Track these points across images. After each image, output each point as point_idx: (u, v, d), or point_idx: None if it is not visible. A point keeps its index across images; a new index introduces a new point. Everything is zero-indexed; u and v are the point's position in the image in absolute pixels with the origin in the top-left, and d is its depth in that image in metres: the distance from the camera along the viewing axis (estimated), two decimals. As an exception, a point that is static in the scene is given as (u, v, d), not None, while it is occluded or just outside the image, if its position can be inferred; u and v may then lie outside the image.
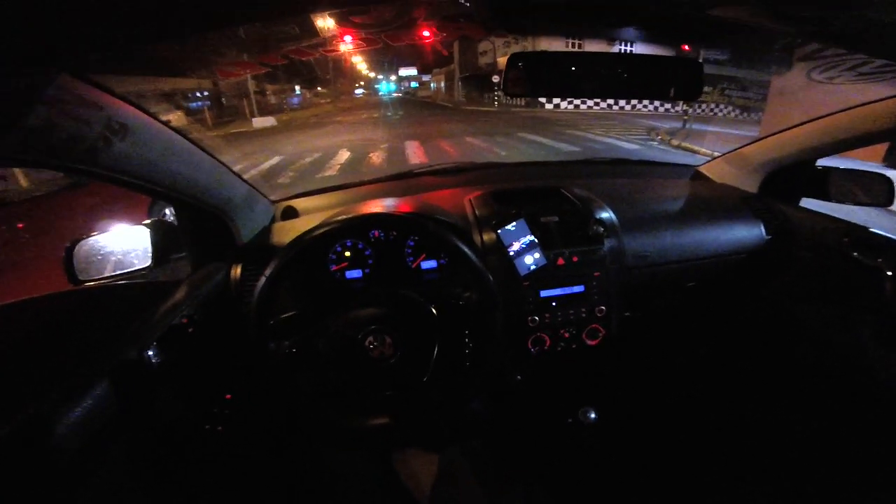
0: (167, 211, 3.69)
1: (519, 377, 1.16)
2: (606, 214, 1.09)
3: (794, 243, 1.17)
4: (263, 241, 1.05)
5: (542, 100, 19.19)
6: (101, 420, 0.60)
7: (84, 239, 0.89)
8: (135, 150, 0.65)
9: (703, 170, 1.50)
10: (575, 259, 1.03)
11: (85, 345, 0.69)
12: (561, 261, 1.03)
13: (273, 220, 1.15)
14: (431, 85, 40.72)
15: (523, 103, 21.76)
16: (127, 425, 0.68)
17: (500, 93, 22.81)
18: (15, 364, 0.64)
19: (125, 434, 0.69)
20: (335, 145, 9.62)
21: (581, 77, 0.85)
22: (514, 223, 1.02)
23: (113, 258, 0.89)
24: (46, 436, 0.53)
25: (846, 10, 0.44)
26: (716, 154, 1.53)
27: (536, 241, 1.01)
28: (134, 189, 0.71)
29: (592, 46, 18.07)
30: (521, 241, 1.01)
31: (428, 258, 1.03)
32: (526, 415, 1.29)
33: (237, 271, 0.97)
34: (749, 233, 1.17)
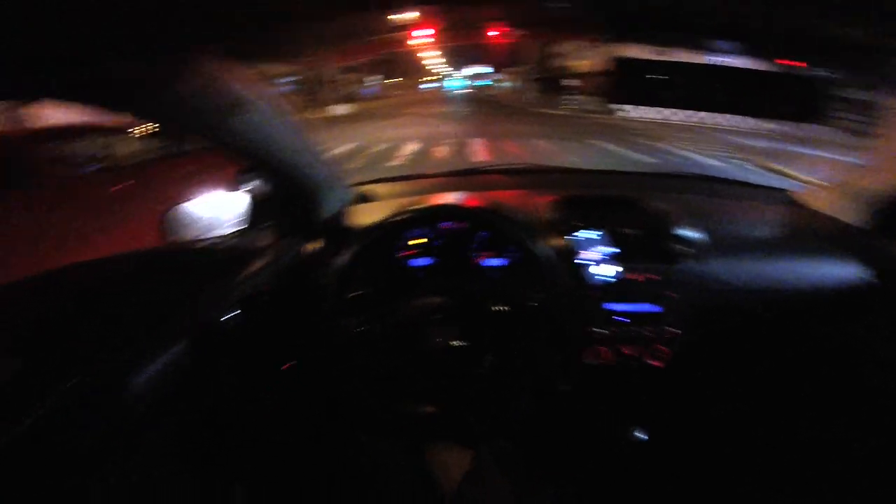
0: (250, 183, 3.92)
1: (566, 387, 1.12)
2: (689, 233, 1.02)
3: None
4: (340, 221, 1.08)
5: (624, 106, 18.37)
6: (172, 380, 0.64)
7: (181, 201, 0.98)
8: (259, 124, 0.70)
9: (801, 196, 1.35)
10: (649, 276, 0.98)
11: (170, 302, 0.74)
12: (634, 276, 0.98)
13: (349, 203, 1.19)
14: (502, 83, 40.46)
15: (597, 108, 20.93)
16: (195, 386, 0.72)
17: (574, 96, 22.18)
18: (100, 317, 0.70)
19: (192, 394, 0.72)
20: (403, 136, 9.88)
21: (695, 88, 0.79)
22: (589, 232, 0.98)
23: (205, 221, 0.97)
24: (119, 390, 0.57)
25: None
26: (812, 180, 1.36)
27: (610, 252, 0.97)
28: (248, 159, 0.78)
29: (681, 55, 16.98)
30: (595, 251, 0.97)
31: (494, 256, 1.02)
32: (570, 424, 1.25)
33: (314, 247, 1.01)
34: (848, 271, 1.05)
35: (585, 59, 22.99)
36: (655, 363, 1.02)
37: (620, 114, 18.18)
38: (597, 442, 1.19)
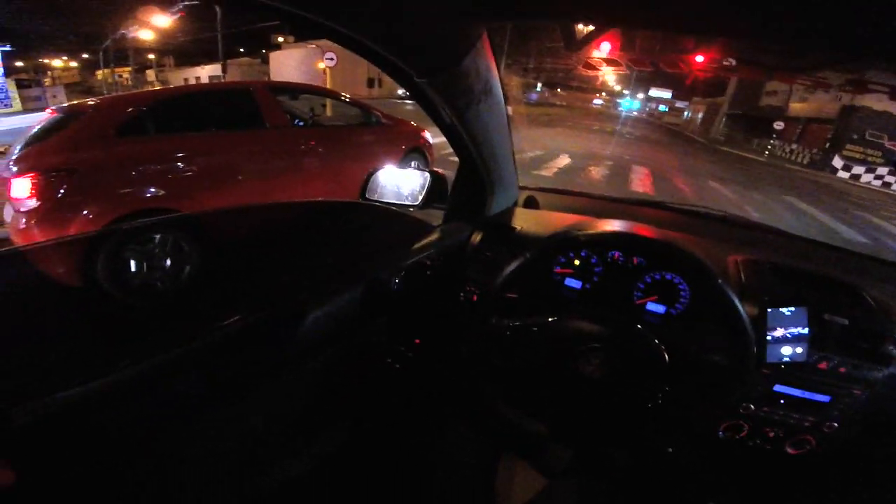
0: (413, 163, 4.31)
1: (670, 449, 1.05)
2: None
3: None
4: (506, 220, 1.11)
5: (837, 164, 14.78)
6: (340, 322, 0.73)
7: (380, 168, 1.12)
8: (485, 112, 0.75)
9: None
10: (842, 370, 0.86)
11: (351, 252, 0.85)
12: (824, 365, 0.86)
13: (515, 204, 1.21)
14: (685, 113, 36.27)
15: (806, 161, 17.18)
16: (344, 334, 0.80)
17: (776, 141, 18.72)
18: (295, 254, 0.83)
19: (338, 341, 0.80)
20: (558, 148, 9.65)
21: None
22: (792, 308, 0.85)
23: (393, 190, 1.09)
24: (299, 323, 0.66)
25: None
26: None
27: (808, 335, 0.84)
28: (459, 144, 0.83)
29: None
30: (789, 330, 0.85)
31: (658, 301, 0.93)
32: (658, 486, 1.14)
33: (477, 238, 1.06)
34: None
35: (805, 101, 19.04)
36: (792, 451, 0.93)
37: (842, 175, 14.64)
38: None
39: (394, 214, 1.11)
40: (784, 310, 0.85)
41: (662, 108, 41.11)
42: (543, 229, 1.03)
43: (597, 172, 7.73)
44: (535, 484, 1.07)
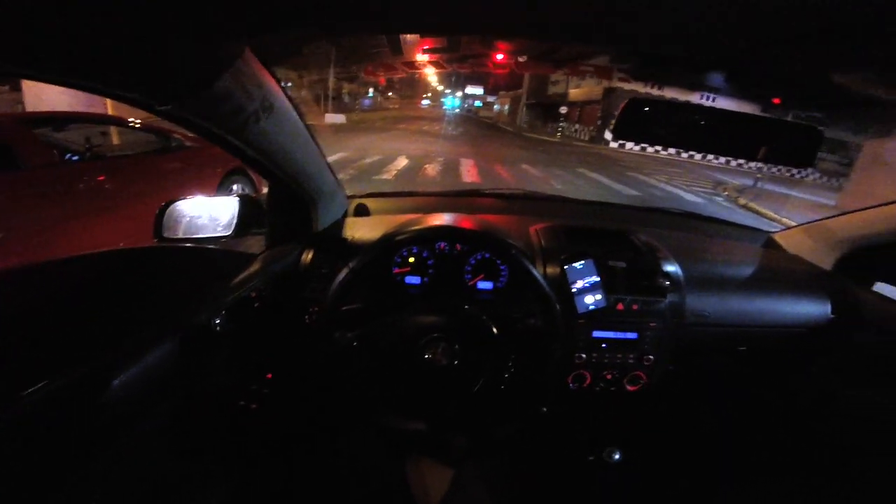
0: (236, 187, 3.87)
1: (544, 409, 1.16)
2: (673, 268, 1.08)
3: (858, 326, 1.11)
4: (336, 233, 1.09)
5: (608, 136, 18.87)
6: (158, 380, 0.63)
7: (176, 200, 0.97)
8: (272, 129, 0.70)
9: (777, 237, 1.45)
10: (635, 307, 1.03)
11: (160, 300, 0.73)
12: (620, 306, 1.02)
13: (345, 214, 1.20)
14: (495, 107, 41.33)
15: (587, 138, 21.51)
16: (178, 388, 0.71)
17: (564, 123, 22.77)
18: (90, 313, 0.68)
19: (174, 398, 0.71)
20: (395, 151, 9.94)
21: (698, 130, 0.83)
22: (581, 262, 1.02)
23: (198, 222, 0.96)
24: (103, 388, 0.56)
25: None
26: (784, 220, 1.48)
27: (600, 282, 1.01)
28: (253, 164, 0.77)
29: (671, 93, 17.72)
30: (586, 281, 1.01)
31: (486, 279, 1.04)
32: (548, 445, 1.29)
33: (308, 256, 1.01)
34: (814, 309, 1.13)
35: (581, 87, 23.70)
36: (631, 388, 1.06)
37: (612, 145, 18.75)
38: (573, 462, 1.23)
39: (205, 251, 0.98)
40: (577, 264, 1.00)
41: (477, 103, 46.07)
42: (374, 235, 1.03)
43: (432, 169, 8.22)
44: (444, 474, 1.10)
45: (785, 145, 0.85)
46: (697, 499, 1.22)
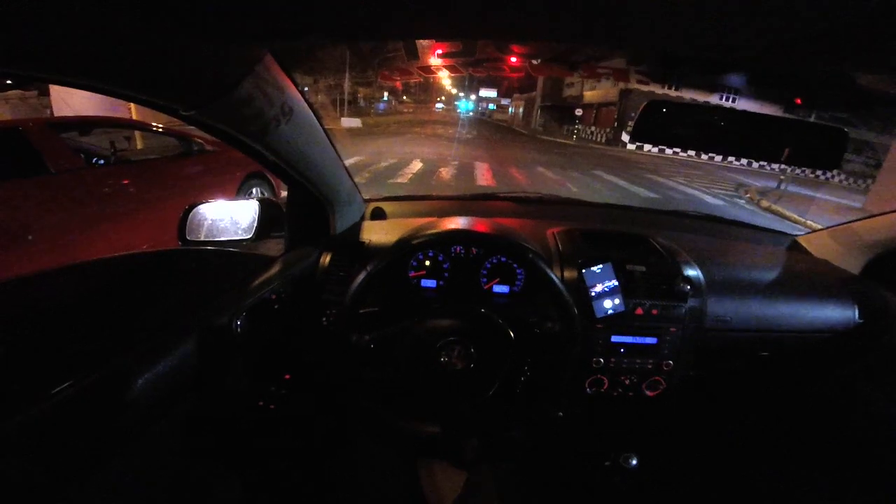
0: (255, 190, 3.94)
1: (560, 413, 1.15)
2: (694, 273, 1.06)
3: (886, 331, 1.07)
4: (354, 236, 1.10)
5: (625, 138, 18.62)
6: (178, 380, 0.65)
7: (199, 204, 0.99)
8: (292, 133, 0.71)
9: (802, 241, 1.40)
10: (654, 312, 1.01)
11: (181, 302, 0.75)
12: (640, 311, 1.01)
13: (362, 218, 1.21)
14: (510, 109, 41.19)
15: (603, 140, 21.26)
16: (198, 388, 0.72)
17: (580, 126, 22.56)
18: (113, 314, 0.71)
19: (193, 397, 0.72)
20: (409, 154, 10.00)
21: (717, 132, 0.82)
22: (600, 266, 1.01)
23: (220, 225, 0.98)
24: (125, 388, 0.57)
25: None
26: (809, 223, 1.43)
27: (619, 286, 1.00)
28: (273, 168, 0.78)
29: (690, 94, 17.39)
30: (604, 285, 1.00)
31: (501, 283, 1.04)
32: (564, 450, 1.27)
33: (326, 259, 1.02)
34: (840, 314, 1.09)
35: (596, 89, 23.46)
36: (650, 393, 1.05)
37: (630, 147, 18.48)
38: (589, 467, 1.21)
39: (226, 253, 1.00)
40: (595, 268, 1.00)
41: (491, 106, 45.99)
42: (391, 238, 1.04)
43: (447, 173, 8.24)
44: (456, 477, 1.11)
45: (809, 147, 0.82)
46: None
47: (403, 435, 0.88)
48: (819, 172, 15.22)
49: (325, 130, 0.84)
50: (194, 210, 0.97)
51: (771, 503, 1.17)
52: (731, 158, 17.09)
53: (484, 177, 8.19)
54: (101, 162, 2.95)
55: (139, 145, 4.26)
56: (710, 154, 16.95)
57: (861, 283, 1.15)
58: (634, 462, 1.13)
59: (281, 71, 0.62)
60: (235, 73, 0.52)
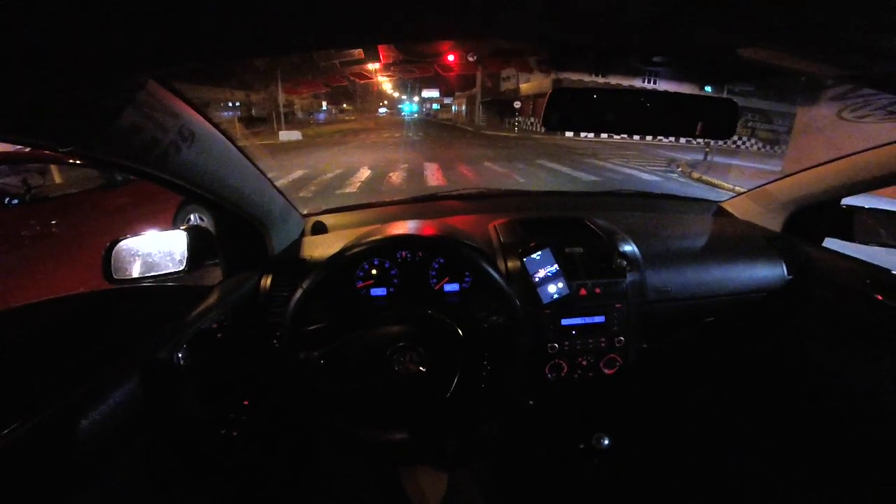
0: (192, 217, 3.73)
1: (531, 402, 1.16)
2: (630, 248, 1.10)
3: (815, 284, 1.16)
4: (294, 254, 1.08)
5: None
6: (124, 418, 0.62)
7: (123, 239, 0.93)
8: (198, 157, 0.68)
9: (726, 206, 1.51)
10: (597, 290, 1.05)
11: (117, 342, 0.71)
12: (583, 291, 1.04)
13: (303, 234, 1.19)
14: (453, 108, 41.49)
15: (543, 130, 21.93)
16: (148, 425, 0.69)
17: (520, 118, 23.19)
18: (47, 358, 0.66)
19: (145, 434, 0.70)
20: (356, 163, 9.83)
21: (622, 113, 0.87)
22: (539, 252, 1.04)
23: (149, 260, 0.92)
24: (69, 431, 0.54)
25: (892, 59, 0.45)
26: (737, 189, 1.55)
27: (560, 270, 1.03)
28: (187, 195, 0.75)
29: (616, 80, 18.36)
30: (546, 270, 1.03)
31: (451, 281, 1.05)
32: (538, 439, 1.29)
33: (267, 282, 1.00)
34: (771, 272, 1.17)
35: (530, 81, 24.20)
36: (609, 371, 1.08)
37: (568, 135, 19.21)
38: (565, 453, 1.24)
39: (161, 288, 0.95)
40: (535, 255, 1.03)
41: (435, 106, 46.11)
42: (332, 252, 1.03)
43: (397, 177, 8.19)
44: (440, 480, 1.12)
45: (707, 120, 0.89)
46: (691, 474, 1.24)
47: (370, 445, 0.88)
48: (738, 142, 16.66)
49: (240, 150, 0.82)
50: (118, 246, 0.91)
51: (739, 467, 1.22)
52: (660, 137, 18.23)
53: (434, 177, 8.23)
54: (15, 202, 2.68)
55: (57, 180, 3.90)
56: (641, 136, 18.01)
57: (784, 240, 1.23)
58: (607, 442, 1.16)
59: (171, 95, 0.59)
60: (112, 103, 0.49)
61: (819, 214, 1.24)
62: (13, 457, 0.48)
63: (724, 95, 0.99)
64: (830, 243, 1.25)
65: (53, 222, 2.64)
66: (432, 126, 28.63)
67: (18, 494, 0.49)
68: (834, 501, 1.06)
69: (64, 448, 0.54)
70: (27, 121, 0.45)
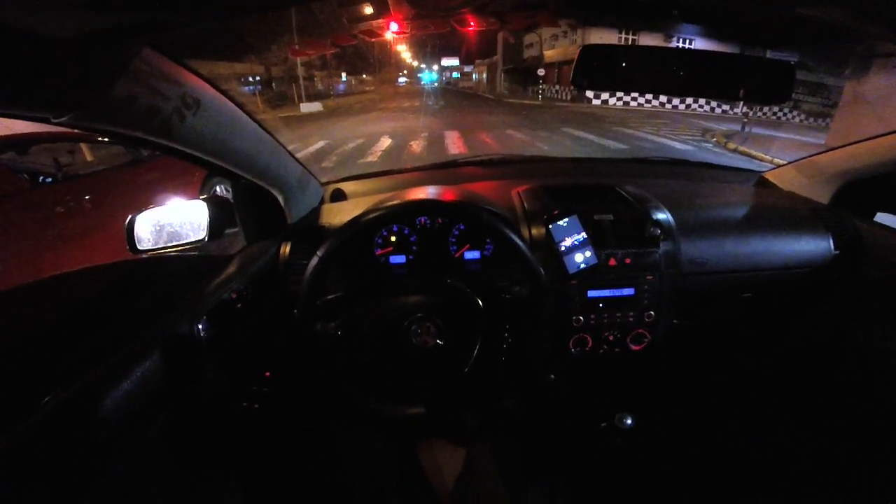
0: (219, 188, 3.81)
1: (553, 376, 1.13)
2: (664, 216, 1.03)
3: (863, 260, 1.06)
4: (313, 222, 1.06)
5: (590, 94, 18.51)
6: (148, 392, 0.62)
7: (144, 211, 0.94)
8: (205, 125, 0.66)
9: (769, 176, 1.40)
10: (628, 261, 0.98)
11: (139, 314, 0.71)
12: (613, 261, 0.98)
13: (322, 202, 1.17)
14: (473, 76, 40.35)
15: (568, 98, 21.10)
16: (172, 399, 0.70)
17: (544, 86, 22.30)
18: (72, 332, 0.67)
19: (169, 407, 0.70)
20: (377, 132, 9.73)
21: (657, 73, 0.79)
22: (566, 219, 0.98)
23: (170, 230, 0.93)
24: (94, 407, 0.55)
25: None
26: (777, 160, 1.43)
27: (588, 239, 0.97)
28: (199, 164, 0.73)
29: (647, 40, 17.29)
30: (573, 239, 0.97)
31: (472, 249, 1.01)
32: (559, 415, 1.26)
33: (286, 250, 0.98)
34: (816, 246, 1.08)
35: (555, 48, 23.11)
36: (636, 347, 1.03)
37: (595, 102, 18.41)
38: (585, 431, 1.20)
39: (183, 258, 0.96)
40: (561, 222, 0.96)
41: (455, 75, 44.96)
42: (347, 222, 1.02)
43: (417, 146, 8.08)
44: (457, 454, 1.10)
45: (759, 83, 0.81)
46: (715, 459, 1.19)
47: (387, 420, 0.87)
48: (780, 113, 15.61)
49: (251, 117, 0.79)
50: (139, 218, 0.92)
51: (769, 452, 1.17)
52: (694, 106, 17.24)
53: (455, 144, 8.08)
54: (49, 180, 2.77)
55: (87, 158, 4.02)
56: (674, 102, 17.06)
57: (832, 213, 1.13)
58: (630, 422, 1.11)
59: (170, 62, 0.57)
60: (104, 73, 0.47)
61: (872, 188, 1.14)
62: (42, 436, 0.49)
63: (776, 58, 0.89)
64: (883, 219, 1.15)
65: (87, 198, 2.71)
66: (452, 94, 27.96)
67: (48, 476, 0.50)
68: (865, 486, 1.01)
69: (90, 427, 0.55)
70: (15, 91, 0.43)
